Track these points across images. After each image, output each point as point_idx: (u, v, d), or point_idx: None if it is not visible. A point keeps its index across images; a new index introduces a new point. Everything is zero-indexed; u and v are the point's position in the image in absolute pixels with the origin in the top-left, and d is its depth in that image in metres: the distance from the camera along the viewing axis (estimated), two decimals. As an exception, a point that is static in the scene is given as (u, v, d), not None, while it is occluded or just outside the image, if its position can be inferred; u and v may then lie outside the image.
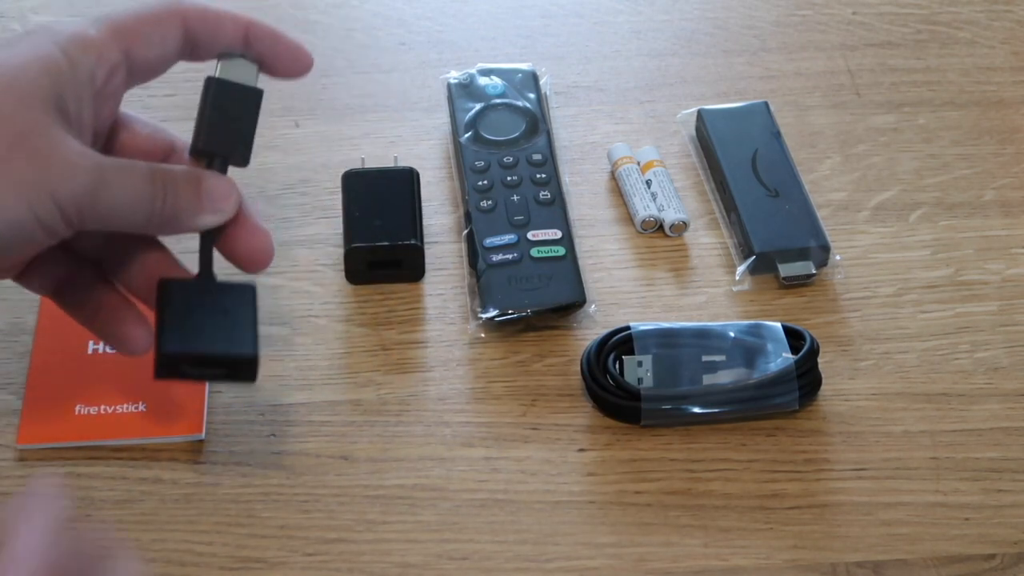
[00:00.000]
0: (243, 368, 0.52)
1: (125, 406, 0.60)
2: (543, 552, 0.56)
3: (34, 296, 0.63)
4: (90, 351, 0.62)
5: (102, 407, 0.60)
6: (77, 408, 0.60)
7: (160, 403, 0.60)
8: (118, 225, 0.50)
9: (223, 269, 0.52)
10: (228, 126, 0.53)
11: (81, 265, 0.54)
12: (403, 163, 0.69)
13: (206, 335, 0.51)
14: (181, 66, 0.77)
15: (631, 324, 0.62)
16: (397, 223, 0.66)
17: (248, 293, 0.53)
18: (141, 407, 0.60)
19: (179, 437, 0.59)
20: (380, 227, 0.65)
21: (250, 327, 0.52)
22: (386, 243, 0.65)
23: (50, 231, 0.48)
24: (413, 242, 0.65)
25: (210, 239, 0.52)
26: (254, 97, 0.53)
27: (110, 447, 0.59)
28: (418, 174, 0.68)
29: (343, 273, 0.66)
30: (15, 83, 0.47)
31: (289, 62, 0.53)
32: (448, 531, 0.57)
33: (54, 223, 0.47)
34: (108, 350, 0.62)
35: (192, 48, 0.53)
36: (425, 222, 0.68)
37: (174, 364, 0.51)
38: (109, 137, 0.53)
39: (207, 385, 0.61)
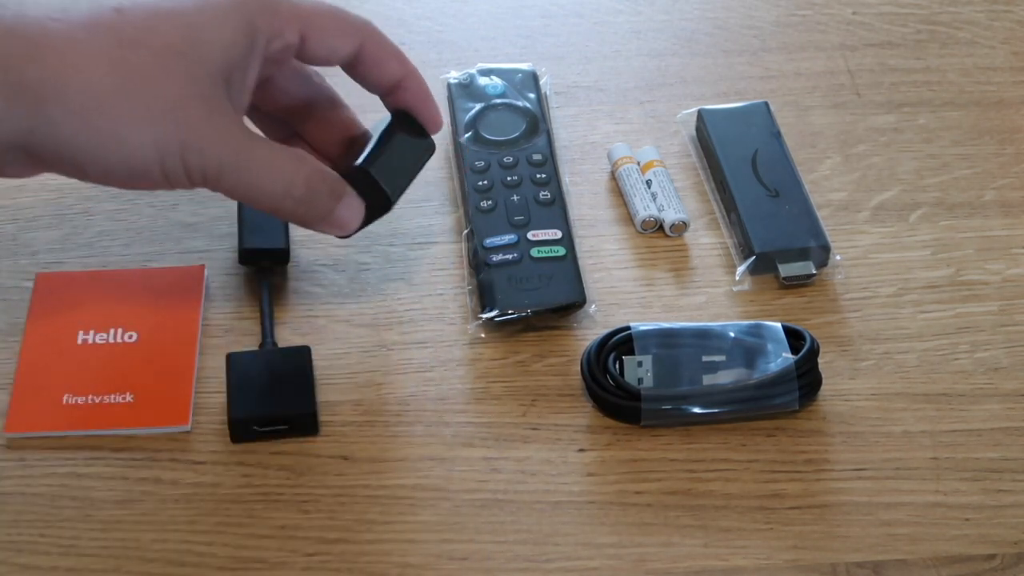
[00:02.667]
0: (303, 423, 0.59)
1: (113, 396, 0.60)
2: (543, 552, 0.56)
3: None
4: (79, 341, 0.62)
5: (90, 397, 0.60)
6: (65, 397, 0.60)
7: (147, 394, 0.60)
8: (243, 198, 0.54)
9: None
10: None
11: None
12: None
13: (269, 399, 0.59)
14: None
15: (631, 324, 0.62)
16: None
17: (303, 355, 0.61)
18: (128, 397, 0.60)
19: (166, 428, 0.59)
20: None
21: (306, 386, 0.60)
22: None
23: (172, 182, 0.51)
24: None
25: (270, 312, 0.62)
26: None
27: (109, 447, 0.59)
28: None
29: (331, 269, 0.66)
30: (192, 39, 0.51)
31: (426, 122, 0.60)
32: (448, 531, 0.57)
33: (177, 179, 0.51)
34: (98, 340, 0.62)
35: (352, 65, 0.58)
36: (425, 222, 0.68)
37: (245, 427, 0.59)
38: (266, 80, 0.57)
39: (194, 377, 0.61)
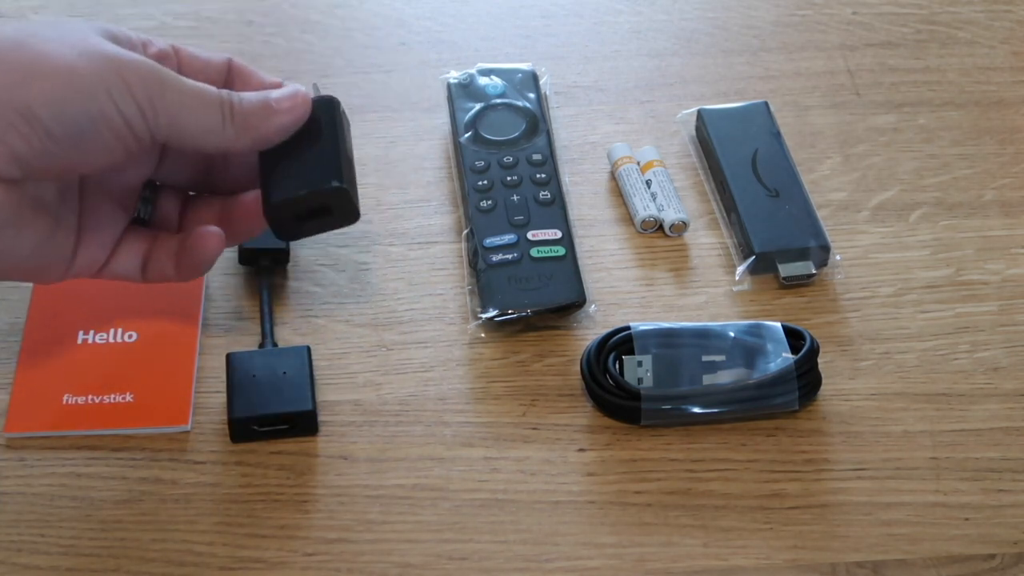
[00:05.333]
0: (303, 423, 0.59)
1: (112, 396, 0.60)
2: (543, 552, 0.56)
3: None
4: (79, 341, 0.62)
5: (90, 397, 0.60)
6: (65, 398, 0.60)
7: (147, 394, 0.60)
8: (192, 136, 0.51)
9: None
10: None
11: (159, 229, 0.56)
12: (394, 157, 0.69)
13: (269, 399, 0.59)
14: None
15: (631, 324, 0.62)
16: (317, 164, 0.54)
17: (303, 355, 0.60)
18: (128, 397, 0.60)
19: (166, 428, 0.59)
20: (298, 174, 0.54)
21: (306, 386, 0.59)
22: (305, 191, 0.54)
23: (134, 134, 0.49)
24: (336, 185, 0.53)
25: (270, 313, 0.62)
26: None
27: (109, 447, 0.59)
28: (338, 102, 0.56)
29: (331, 269, 0.66)
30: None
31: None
32: (448, 531, 0.57)
33: (136, 123, 0.49)
34: (98, 340, 0.62)
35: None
36: (425, 222, 0.68)
37: (245, 427, 0.59)
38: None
39: (194, 377, 0.61)
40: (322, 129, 0.54)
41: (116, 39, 0.51)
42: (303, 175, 0.53)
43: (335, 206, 0.54)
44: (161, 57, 0.53)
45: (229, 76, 0.55)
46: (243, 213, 0.56)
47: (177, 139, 0.51)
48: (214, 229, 0.54)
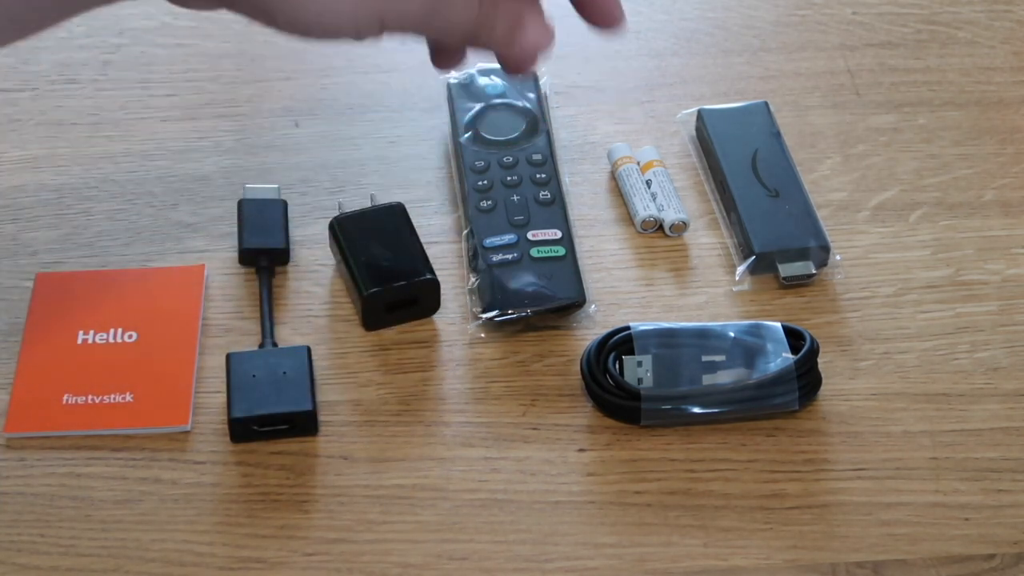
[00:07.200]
0: (303, 423, 0.59)
1: (113, 396, 0.60)
2: (543, 552, 0.56)
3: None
4: (79, 341, 0.62)
5: (90, 396, 0.60)
6: (65, 397, 0.60)
7: (147, 394, 0.60)
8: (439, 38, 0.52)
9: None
10: None
11: None
12: (399, 169, 0.69)
13: (269, 399, 0.59)
14: (181, 65, 0.78)
15: (631, 324, 0.62)
16: (406, 261, 0.64)
17: (303, 355, 0.61)
18: (128, 397, 0.60)
19: (166, 428, 0.59)
20: (390, 268, 0.64)
21: (306, 386, 0.59)
22: (403, 282, 0.63)
23: (363, 37, 0.49)
24: (429, 277, 0.63)
25: (270, 312, 0.63)
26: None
27: (109, 447, 0.59)
28: (403, 206, 0.66)
29: (331, 269, 0.66)
30: None
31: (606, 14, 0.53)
32: (448, 531, 0.57)
33: (370, 33, 0.49)
34: (98, 340, 0.62)
35: None
36: (425, 222, 0.68)
37: (245, 426, 0.59)
38: None
39: (194, 377, 0.61)
40: (399, 230, 0.65)
41: None
42: (396, 269, 0.63)
43: (423, 297, 0.63)
44: None
45: None
46: None
47: None
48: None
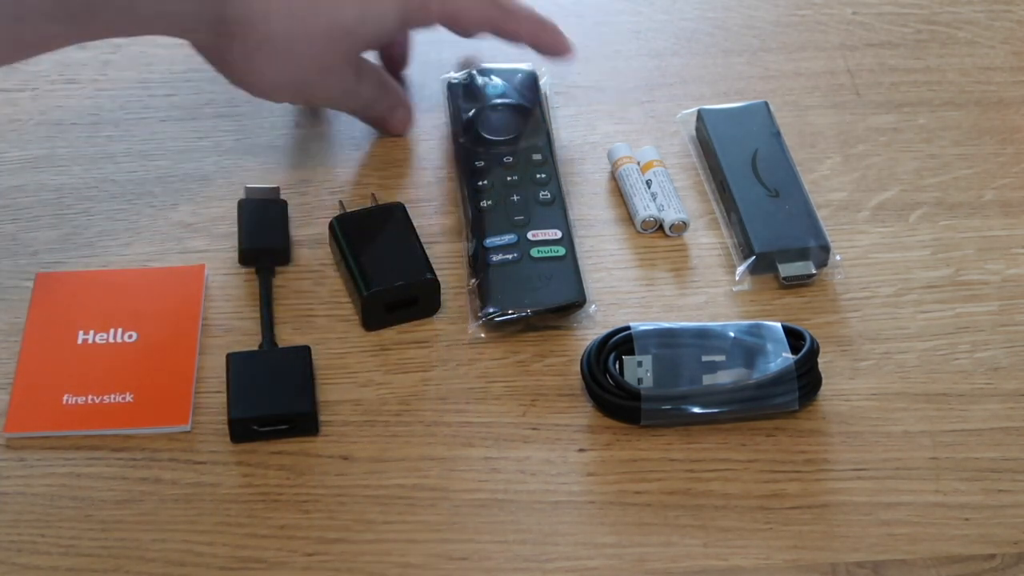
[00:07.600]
0: (303, 423, 0.59)
1: (113, 396, 0.60)
2: (543, 552, 0.56)
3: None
4: (79, 341, 0.62)
5: (90, 397, 0.60)
6: (65, 397, 0.60)
7: (147, 394, 0.60)
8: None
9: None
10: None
11: None
12: (401, 168, 0.69)
13: (269, 399, 0.59)
14: (181, 65, 0.78)
15: (631, 324, 0.62)
16: (406, 261, 0.64)
17: (303, 355, 0.61)
18: (128, 397, 0.60)
19: (166, 428, 0.59)
20: (390, 268, 0.64)
21: (306, 386, 0.60)
22: (403, 282, 0.63)
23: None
24: (429, 277, 0.64)
25: (270, 312, 0.63)
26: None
27: (109, 447, 0.59)
28: (404, 206, 0.67)
29: (331, 269, 0.66)
30: (362, 17, 0.65)
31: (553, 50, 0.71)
32: (448, 531, 0.57)
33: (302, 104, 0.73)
34: (98, 340, 0.62)
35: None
36: (425, 222, 0.68)
37: (245, 426, 0.59)
38: None
39: (194, 377, 0.61)
40: (399, 230, 0.65)
41: None
42: (396, 269, 0.63)
43: (423, 297, 0.63)
44: None
45: None
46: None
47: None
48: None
